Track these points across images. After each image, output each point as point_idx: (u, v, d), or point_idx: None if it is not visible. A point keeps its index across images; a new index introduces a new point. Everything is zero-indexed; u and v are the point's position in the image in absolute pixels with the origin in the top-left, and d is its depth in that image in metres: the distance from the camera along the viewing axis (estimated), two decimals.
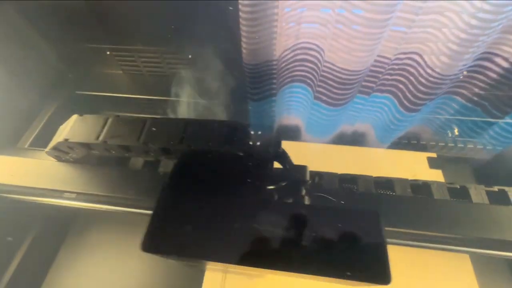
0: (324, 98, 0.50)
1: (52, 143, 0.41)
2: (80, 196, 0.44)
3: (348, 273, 0.28)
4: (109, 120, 0.40)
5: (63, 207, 0.49)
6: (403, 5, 0.34)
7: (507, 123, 0.44)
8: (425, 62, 0.38)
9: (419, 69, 0.39)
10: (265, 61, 0.44)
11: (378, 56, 0.39)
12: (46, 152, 0.42)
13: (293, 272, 0.28)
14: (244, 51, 0.42)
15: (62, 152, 0.42)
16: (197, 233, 0.30)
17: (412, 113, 0.46)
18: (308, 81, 0.50)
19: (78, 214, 0.77)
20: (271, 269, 0.30)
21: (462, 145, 0.56)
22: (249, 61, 0.44)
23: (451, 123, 0.50)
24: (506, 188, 0.38)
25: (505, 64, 0.36)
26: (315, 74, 0.46)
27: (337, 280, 0.29)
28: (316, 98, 0.51)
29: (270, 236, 0.31)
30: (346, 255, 0.29)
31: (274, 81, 0.50)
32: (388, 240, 0.33)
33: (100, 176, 0.43)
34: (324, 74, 0.44)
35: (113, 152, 0.40)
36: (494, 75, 0.38)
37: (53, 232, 0.73)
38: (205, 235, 0.30)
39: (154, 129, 0.38)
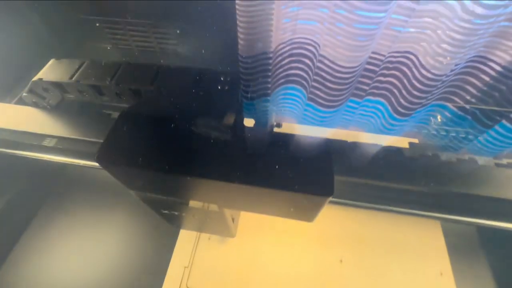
0: (318, 100, 0.50)
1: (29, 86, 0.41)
2: (60, 142, 0.44)
3: (296, 186, 0.31)
4: (84, 64, 0.40)
5: (44, 163, 0.50)
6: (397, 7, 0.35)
7: (497, 132, 0.45)
8: (419, 61, 0.38)
9: (413, 69, 0.40)
10: (262, 53, 0.44)
11: (373, 53, 0.39)
12: (24, 97, 0.42)
13: (241, 183, 0.31)
14: (240, 42, 0.42)
15: (38, 97, 0.42)
16: (149, 148, 0.32)
17: (405, 118, 0.46)
18: (303, 81, 0.51)
19: (58, 176, 0.78)
20: (221, 180, 0.32)
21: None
22: (246, 53, 0.44)
23: (442, 131, 0.50)
24: None
25: (498, 68, 0.37)
26: (310, 72, 0.47)
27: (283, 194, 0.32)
28: (309, 99, 0.51)
29: (221, 148, 0.34)
30: (294, 169, 0.33)
31: (269, 79, 0.50)
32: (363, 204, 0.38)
33: (79, 122, 0.44)
34: (318, 72, 0.44)
35: (86, 95, 0.41)
36: (487, 79, 0.39)
37: (32, 193, 0.73)
38: (156, 150, 0.32)
39: (127, 72, 0.39)
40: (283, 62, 0.46)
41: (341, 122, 0.53)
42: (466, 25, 0.34)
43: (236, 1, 0.38)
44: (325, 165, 0.33)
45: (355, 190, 0.48)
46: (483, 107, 0.45)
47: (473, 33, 0.34)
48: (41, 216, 0.72)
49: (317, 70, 0.45)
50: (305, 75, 0.48)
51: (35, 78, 0.40)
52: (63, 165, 0.79)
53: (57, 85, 0.41)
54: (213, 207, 0.40)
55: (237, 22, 0.41)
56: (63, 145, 0.44)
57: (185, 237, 0.59)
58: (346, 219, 0.60)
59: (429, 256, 0.56)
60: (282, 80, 0.51)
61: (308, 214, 0.38)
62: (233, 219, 0.50)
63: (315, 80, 0.47)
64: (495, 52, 0.37)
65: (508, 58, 0.36)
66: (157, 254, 0.62)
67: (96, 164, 0.46)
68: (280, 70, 0.48)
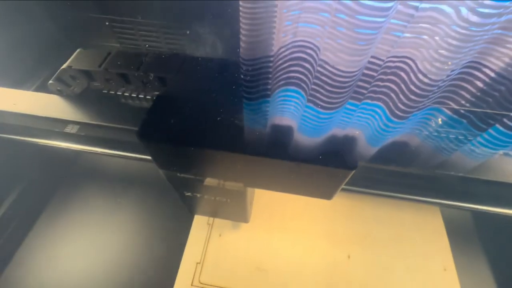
0: (317, 101, 0.51)
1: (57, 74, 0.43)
2: (82, 128, 0.47)
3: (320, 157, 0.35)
4: (111, 53, 0.43)
5: (58, 152, 0.52)
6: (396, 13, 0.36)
7: (490, 135, 0.46)
8: (416, 66, 0.39)
9: (411, 74, 0.41)
10: (263, 56, 0.45)
11: (372, 57, 0.40)
12: (49, 85, 0.43)
13: (272, 157, 0.34)
14: (242, 45, 0.43)
15: (64, 85, 0.44)
16: (185, 127, 0.35)
17: (402, 121, 0.48)
18: (303, 84, 0.51)
19: (72, 165, 0.78)
20: (252, 154, 0.35)
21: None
22: (247, 56, 0.44)
23: (438, 134, 0.51)
24: None
25: (491, 74, 0.38)
26: (309, 76, 0.47)
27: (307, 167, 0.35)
28: (309, 101, 0.52)
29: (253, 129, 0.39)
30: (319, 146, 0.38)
31: (269, 81, 0.51)
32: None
33: (101, 110, 0.45)
34: (318, 75, 0.45)
35: (113, 83, 0.43)
36: (480, 85, 0.40)
37: (45, 182, 0.74)
38: (192, 129, 0.35)
39: (153, 60, 0.42)
40: (284, 65, 0.47)
41: (339, 124, 0.54)
42: (463, 31, 0.35)
43: (240, 3, 0.39)
44: (348, 141, 0.40)
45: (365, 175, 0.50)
46: (478, 110, 0.46)
47: (469, 40, 0.36)
48: (53, 206, 0.73)
49: (317, 74, 0.46)
50: (305, 78, 0.49)
51: (64, 66, 0.42)
52: (77, 155, 0.79)
53: (85, 73, 0.43)
54: (238, 186, 0.41)
55: (241, 24, 0.41)
56: (85, 132, 0.47)
57: (196, 234, 0.61)
58: (352, 216, 0.62)
59: (433, 253, 0.58)
60: (282, 82, 0.52)
61: (328, 191, 0.42)
62: (250, 203, 0.52)
63: (314, 83, 0.48)
64: (489, 59, 0.38)
65: (501, 64, 0.38)
66: (168, 248, 0.63)
67: (114, 151, 0.49)
68: (281, 72, 0.49)
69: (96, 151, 0.50)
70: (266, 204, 0.67)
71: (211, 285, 0.51)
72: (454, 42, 0.36)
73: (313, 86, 0.49)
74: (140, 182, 0.76)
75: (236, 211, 0.52)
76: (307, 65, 0.46)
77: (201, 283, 0.52)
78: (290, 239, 0.60)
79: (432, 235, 0.61)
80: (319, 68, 0.44)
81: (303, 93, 0.53)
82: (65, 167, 0.79)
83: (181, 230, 0.62)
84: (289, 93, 0.55)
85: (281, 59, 0.46)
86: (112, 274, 0.60)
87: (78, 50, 0.44)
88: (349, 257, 0.57)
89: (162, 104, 0.36)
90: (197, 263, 0.55)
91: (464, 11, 0.33)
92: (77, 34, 0.62)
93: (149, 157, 0.48)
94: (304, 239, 0.60)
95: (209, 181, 0.42)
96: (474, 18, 0.34)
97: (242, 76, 0.51)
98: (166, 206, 0.70)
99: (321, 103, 0.51)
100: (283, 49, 0.44)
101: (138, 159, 0.50)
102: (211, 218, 0.62)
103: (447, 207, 0.55)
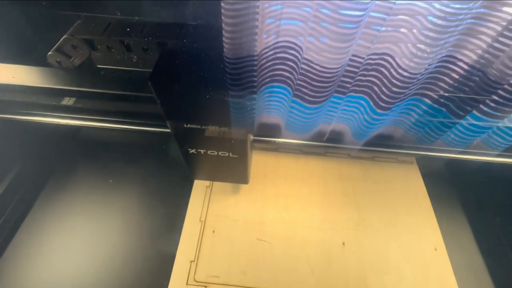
0: (304, 96, 0.51)
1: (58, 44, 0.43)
2: (79, 101, 0.49)
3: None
4: (112, 23, 0.44)
5: (57, 128, 0.52)
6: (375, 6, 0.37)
7: (469, 123, 0.48)
8: (396, 62, 0.40)
9: (391, 70, 0.42)
10: (247, 56, 0.45)
11: (353, 55, 0.41)
12: (49, 56, 0.44)
13: None
14: (226, 46, 0.43)
15: (65, 56, 0.44)
16: (194, 73, 0.39)
17: (385, 112, 0.49)
18: (288, 81, 0.52)
19: (70, 143, 0.79)
20: None
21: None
22: (232, 55, 0.44)
23: (420, 124, 0.53)
24: None
25: (465, 67, 0.40)
26: (294, 73, 0.48)
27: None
28: (295, 96, 0.53)
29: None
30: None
31: (255, 78, 0.51)
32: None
33: (99, 81, 0.47)
34: (303, 72, 0.45)
35: (114, 51, 0.44)
36: (456, 76, 0.42)
37: (44, 160, 0.74)
38: (197, 77, 0.39)
39: (153, 28, 0.44)
40: (268, 64, 0.47)
41: (325, 118, 0.55)
42: (439, 21, 0.36)
43: (222, 4, 0.38)
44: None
45: None
46: (457, 96, 0.48)
47: (445, 31, 0.37)
48: (51, 185, 0.72)
49: (301, 71, 0.46)
50: (290, 75, 0.50)
51: (65, 36, 0.42)
52: (76, 130, 0.78)
53: (88, 41, 0.43)
54: (240, 133, 0.46)
55: (223, 23, 0.41)
56: (82, 104, 0.48)
57: (189, 231, 0.61)
58: (347, 204, 0.65)
59: (423, 234, 0.61)
60: (268, 79, 0.52)
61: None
62: (250, 160, 0.54)
63: (300, 79, 0.48)
64: (463, 52, 0.40)
65: (474, 57, 0.39)
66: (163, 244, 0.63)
67: (112, 125, 0.51)
68: (266, 71, 0.49)
69: (95, 125, 0.51)
70: (259, 199, 0.68)
71: (207, 283, 0.52)
72: (431, 34, 0.37)
73: (299, 82, 0.49)
74: (137, 162, 0.77)
75: (237, 169, 0.53)
76: (291, 63, 0.46)
77: (197, 282, 0.52)
78: (285, 231, 0.62)
79: (422, 217, 0.66)
80: (303, 66, 0.45)
81: (289, 88, 0.53)
82: (64, 143, 0.79)
83: (173, 228, 0.61)
84: (275, 89, 0.55)
85: (265, 58, 0.46)
86: (104, 271, 0.59)
87: (77, 22, 0.44)
88: (343, 244, 0.59)
89: (169, 57, 0.39)
90: (191, 261, 0.55)
91: (438, 4, 0.34)
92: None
93: (146, 128, 0.53)
94: (300, 230, 0.62)
95: (212, 130, 0.45)
96: (448, 9, 0.35)
97: (227, 75, 0.51)
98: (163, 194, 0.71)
99: (308, 98, 0.52)
100: (266, 50, 0.44)
101: (136, 131, 0.53)
102: (203, 215, 0.62)
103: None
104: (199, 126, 0.45)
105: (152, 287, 0.55)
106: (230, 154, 0.49)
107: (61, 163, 0.74)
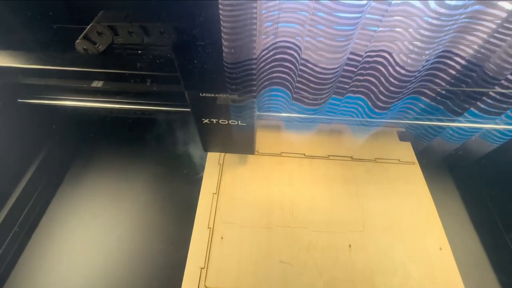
0: (303, 99, 0.52)
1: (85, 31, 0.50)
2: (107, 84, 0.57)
3: None
4: (130, 12, 0.51)
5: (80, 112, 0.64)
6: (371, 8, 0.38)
7: (466, 119, 0.49)
8: (393, 59, 0.41)
9: (389, 67, 0.43)
10: (246, 60, 0.45)
11: (351, 53, 0.42)
12: (77, 44, 0.51)
13: None
14: (225, 49, 0.43)
15: (90, 43, 0.52)
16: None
17: (384, 111, 0.49)
18: (287, 83, 0.52)
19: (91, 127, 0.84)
20: None
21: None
22: (231, 60, 0.45)
23: (418, 121, 0.54)
24: None
25: (462, 62, 0.41)
26: (293, 75, 0.48)
27: None
28: (295, 99, 0.53)
29: None
30: None
31: (254, 82, 0.52)
32: None
33: (123, 65, 0.55)
34: (302, 74, 0.46)
35: (135, 35, 0.51)
36: (453, 72, 0.43)
37: (69, 144, 0.79)
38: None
39: (169, 12, 0.51)
40: (267, 67, 0.48)
41: (325, 119, 0.56)
42: (434, 21, 0.37)
43: (219, 6, 0.39)
44: None
45: None
46: (454, 93, 0.49)
47: (440, 30, 0.38)
48: (73, 172, 0.77)
49: (300, 73, 0.47)
50: (288, 77, 0.50)
51: (92, 23, 0.49)
52: (96, 115, 0.81)
53: (111, 28, 0.50)
54: (248, 97, 0.50)
55: (221, 28, 0.42)
56: (109, 86, 0.57)
57: (198, 239, 0.62)
58: (351, 206, 0.65)
59: (428, 234, 0.61)
60: (267, 83, 0.53)
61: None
62: (255, 132, 0.58)
63: (299, 81, 0.49)
64: (460, 47, 0.41)
65: (470, 51, 0.40)
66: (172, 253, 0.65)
67: (140, 107, 0.60)
68: (265, 73, 0.50)
69: (122, 107, 0.60)
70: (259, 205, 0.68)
71: None
72: (427, 33, 0.38)
73: (297, 84, 0.50)
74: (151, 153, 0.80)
75: (245, 138, 0.59)
76: (290, 65, 0.47)
77: None
78: (292, 236, 0.62)
79: (426, 218, 0.66)
80: (301, 67, 0.45)
81: (288, 91, 0.54)
82: (85, 128, 0.83)
83: (182, 233, 0.62)
84: (274, 93, 0.56)
85: (264, 61, 0.47)
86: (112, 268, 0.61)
87: (101, 12, 0.51)
88: (350, 246, 0.59)
89: (188, 33, 0.45)
90: (201, 268, 0.55)
91: (433, 4, 0.35)
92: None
93: (170, 108, 0.62)
94: (306, 234, 0.62)
95: (223, 98, 0.51)
96: (442, 10, 0.36)
97: (227, 79, 0.52)
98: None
99: (306, 100, 0.52)
100: (265, 51, 0.45)
101: (157, 111, 0.61)
102: (211, 222, 0.62)
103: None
104: (212, 95, 0.50)
105: None
106: (239, 122, 0.54)
107: (83, 148, 0.80)
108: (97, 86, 0.58)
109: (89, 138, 0.83)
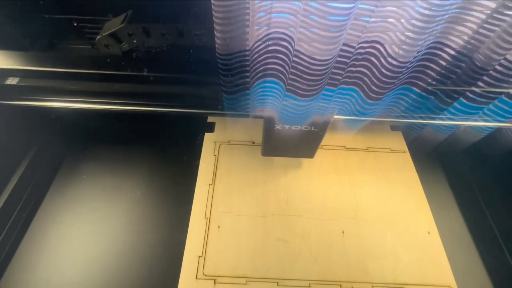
0: (297, 90, 0.52)
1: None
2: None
3: None
4: (128, 13, 0.51)
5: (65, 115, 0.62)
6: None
7: (455, 108, 0.50)
8: (386, 50, 0.41)
9: (381, 59, 0.43)
10: (239, 51, 0.45)
11: (344, 45, 0.42)
12: (99, 39, 0.51)
13: None
14: (217, 41, 0.43)
15: (115, 41, 0.52)
16: None
17: (376, 102, 0.50)
18: (281, 75, 0.52)
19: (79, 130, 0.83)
20: None
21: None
22: (224, 51, 0.45)
23: (409, 112, 0.55)
24: None
25: (452, 52, 0.41)
26: (287, 67, 0.48)
27: None
28: (288, 91, 0.54)
29: None
30: None
31: (247, 74, 0.52)
32: None
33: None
34: (295, 65, 0.46)
35: (135, 38, 0.51)
36: (444, 63, 0.43)
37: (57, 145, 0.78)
38: None
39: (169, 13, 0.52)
40: (260, 58, 0.48)
41: (318, 110, 0.56)
42: (426, 12, 0.37)
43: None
44: None
45: None
46: (444, 87, 0.50)
47: (431, 20, 0.38)
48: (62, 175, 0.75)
49: (293, 64, 0.47)
50: (282, 69, 0.50)
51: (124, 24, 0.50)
52: (83, 117, 0.81)
53: (144, 29, 0.51)
54: None
55: (214, 19, 0.41)
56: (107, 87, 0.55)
57: (195, 229, 0.63)
58: (344, 194, 0.67)
59: (417, 220, 0.64)
60: (260, 74, 0.52)
61: None
62: None
63: (292, 73, 0.49)
64: (450, 38, 0.41)
65: (461, 42, 0.41)
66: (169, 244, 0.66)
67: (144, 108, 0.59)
68: (258, 65, 0.50)
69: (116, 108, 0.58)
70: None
71: (216, 276, 0.53)
72: (419, 24, 0.39)
73: (291, 76, 0.50)
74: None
75: (311, 143, 0.60)
76: (283, 56, 0.47)
77: (206, 275, 0.54)
78: (287, 224, 0.64)
79: (414, 204, 0.67)
80: (295, 59, 0.45)
81: (281, 83, 0.54)
82: (73, 131, 0.82)
83: (180, 224, 0.63)
84: (268, 84, 0.56)
85: (257, 52, 0.46)
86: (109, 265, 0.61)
87: (130, 11, 0.51)
88: (343, 232, 0.61)
89: None
90: (199, 256, 0.56)
91: None
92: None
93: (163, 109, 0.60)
94: (301, 222, 0.64)
95: None
96: (435, 1, 0.36)
97: (220, 71, 0.51)
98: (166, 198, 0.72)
99: (300, 92, 0.52)
100: (258, 43, 0.44)
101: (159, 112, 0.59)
102: (208, 212, 0.64)
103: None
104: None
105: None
106: (312, 128, 0.55)
107: (72, 149, 0.78)
108: (96, 87, 0.57)
109: (83, 135, 0.82)
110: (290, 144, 0.60)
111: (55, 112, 0.72)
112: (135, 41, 0.51)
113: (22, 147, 0.69)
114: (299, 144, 0.59)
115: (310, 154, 0.63)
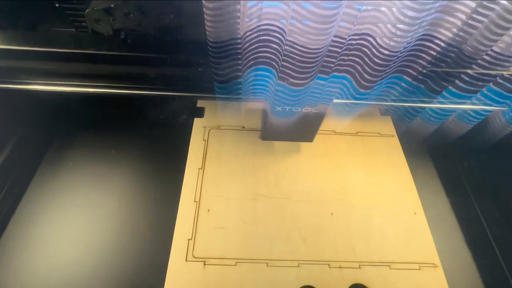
0: (288, 78, 0.51)
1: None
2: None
3: None
4: None
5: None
6: None
7: (444, 97, 0.51)
8: (376, 42, 0.41)
9: (372, 49, 0.43)
10: (230, 39, 0.44)
11: (335, 36, 0.41)
12: (89, 12, 0.47)
13: None
14: (208, 29, 0.42)
15: (107, 17, 0.48)
16: None
17: (367, 91, 0.51)
18: (273, 63, 0.52)
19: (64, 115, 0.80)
20: None
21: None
22: (214, 38, 0.43)
23: (400, 101, 0.56)
24: None
25: (442, 44, 0.41)
26: (279, 55, 0.48)
27: None
28: (280, 79, 0.53)
29: None
30: None
31: (239, 61, 0.51)
32: None
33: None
34: (287, 53, 0.45)
35: (132, 17, 0.48)
36: (434, 53, 0.44)
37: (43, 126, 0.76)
38: None
39: None
40: (252, 47, 0.47)
41: (310, 100, 0.56)
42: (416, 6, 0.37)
43: None
44: None
45: None
46: (434, 71, 0.50)
47: (422, 9, 0.38)
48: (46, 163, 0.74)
49: (286, 52, 0.46)
50: (274, 57, 0.49)
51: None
52: (68, 101, 0.78)
53: (107, 10, 0.46)
54: None
55: (203, 5, 0.39)
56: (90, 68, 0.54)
57: (185, 212, 0.63)
58: (333, 177, 0.69)
59: (404, 201, 0.67)
60: (252, 62, 0.52)
61: None
62: None
63: (284, 60, 0.48)
64: (440, 30, 0.41)
65: (450, 35, 0.41)
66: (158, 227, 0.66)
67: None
68: (250, 53, 0.49)
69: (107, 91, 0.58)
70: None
71: (206, 258, 0.55)
72: (410, 13, 0.38)
73: (283, 63, 0.49)
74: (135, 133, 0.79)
75: (310, 126, 0.59)
76: (275, 46, 0.46)
77: (195, 257, 0.55)
78: (276, 206, 0.65)
79: (401, 184, 0.69)
80: (287, 47, 0.44)
81: (274, 71, 0.53)
82: (59, 115, 0.81)
83: (169, 208, 0.63)
84: (260, 72, 0.55)
85: (248, 41, 0.45)
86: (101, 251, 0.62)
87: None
88: (332, 214, 0.63)
89: None
90: (189, 239, 0.57)
91: None
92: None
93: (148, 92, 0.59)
94: (290, 204, 0.65)
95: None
96: None
97: (211, 59, 0.50)
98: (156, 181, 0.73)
99: (292, 80, 0.52)
100: (249, 33, 0.43)
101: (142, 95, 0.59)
102: (198, 196, 0.65)
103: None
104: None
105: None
106: (312, 109, 0.54)
107: (59, 133, 0.77)
108: (79, 68, 0.55)
109: (68, 120, 0.80)
110: (290, 127, 0.59)
111: (38, 96, 0.69)
112: (131, 20, 0.48)
113: (3, 133, 0.67)
114: (299, 127, 0.59)
115: (310, 138, 0.63)
